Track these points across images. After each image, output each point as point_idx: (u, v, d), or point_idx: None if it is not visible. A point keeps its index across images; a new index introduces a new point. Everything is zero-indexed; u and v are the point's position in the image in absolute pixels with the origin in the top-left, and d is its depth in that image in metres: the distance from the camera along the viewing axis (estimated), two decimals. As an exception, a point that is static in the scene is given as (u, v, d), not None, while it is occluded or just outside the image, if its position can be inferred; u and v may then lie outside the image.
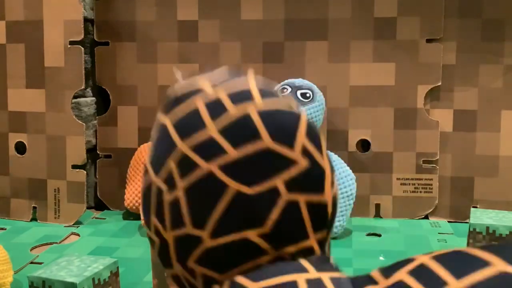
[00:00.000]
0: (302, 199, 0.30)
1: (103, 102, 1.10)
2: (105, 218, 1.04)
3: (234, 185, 0.30)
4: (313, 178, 0.31)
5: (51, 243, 0.90)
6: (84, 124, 1.00)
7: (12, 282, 0.70)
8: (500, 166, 1.01)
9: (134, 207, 1.01)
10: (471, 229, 0.79)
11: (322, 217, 0.31)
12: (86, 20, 1.03)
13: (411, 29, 1.00)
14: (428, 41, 1.00)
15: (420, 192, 1.02)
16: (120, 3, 1.06)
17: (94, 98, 1.09)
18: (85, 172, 1.00)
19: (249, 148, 0.30)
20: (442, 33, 0.99)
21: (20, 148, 1.02)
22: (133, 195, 1.01)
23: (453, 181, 1.02)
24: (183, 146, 0.31)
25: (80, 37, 0.97)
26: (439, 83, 1.00)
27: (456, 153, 1.02)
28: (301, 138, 0.30)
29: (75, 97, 1.01)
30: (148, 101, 1.08)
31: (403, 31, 1.00)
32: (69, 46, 0.98)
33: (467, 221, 0.85)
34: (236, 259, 0.30)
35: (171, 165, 0.31)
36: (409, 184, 1.02)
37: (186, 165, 0.31)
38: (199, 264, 0.31)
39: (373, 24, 1.01)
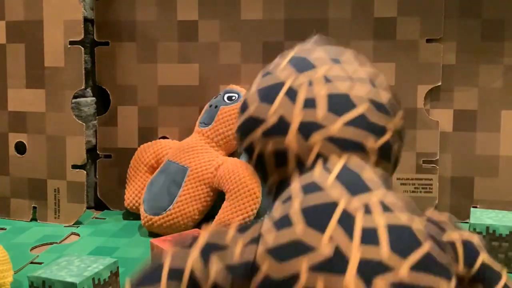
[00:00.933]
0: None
1: (103, 102, 1.10)
2: (105, 218, 1.04)
3: None
4: None
5: (51, 243, 0.90)
6: (84, 124, 1.00)
7: (12, 282, 0.70)
8: (500, 166, 1.01)
9: (134, 207, 1.00)
10: (471, 229, 0.79)
11: None
12: (86, 20, 1.03)
13: (411, 29, 1.00)
14: (428, 41, 1.00)
15: (420, 192, 1.02)
16: (120, 3, 1.06)
17: (94, 98, 1.09)
18: (85, 172, 0.99)
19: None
20: (442, 33, 0.99)
21: (20, 148, 1.02)
22: (133, 195, 1.01)
23: (453, 181, 1.02)
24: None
25: (80, 37, 0.97)
26: (439, 83, 1.00)
27: (456, 153, 1.02)
28: None
29: (75, 97, 1.00)
30: (148, 101, 1.07)
31: (403, 31, 1.00)
32: (69, 46, 0.97)
33: (467, 221, 0.85)
34: None
35: None
36: (409, 184, 1.02)
37: None
38: None
39: (373, 24, 1.01)
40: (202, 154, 0.95)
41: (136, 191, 1.01)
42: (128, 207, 1.02)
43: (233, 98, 0.99)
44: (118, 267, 0.66)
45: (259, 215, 0.89)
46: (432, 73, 1.00)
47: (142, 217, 0.94)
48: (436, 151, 1.01)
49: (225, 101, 0.98)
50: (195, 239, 0.40)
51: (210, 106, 1.00)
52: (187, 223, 0.91)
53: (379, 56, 1.01)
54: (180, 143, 1.00)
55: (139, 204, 0.98)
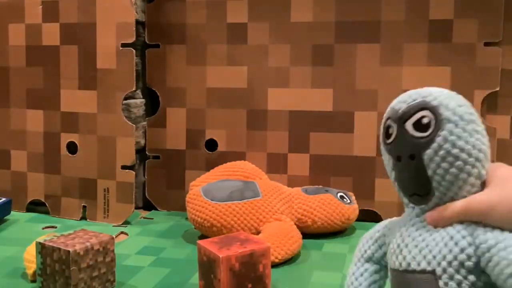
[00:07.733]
0: None
1: (152, 104, 1.11)
2: (152, 218, 1.05)
3: None
4: None
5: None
6: (134, 125, 1.01)
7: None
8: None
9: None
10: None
11: None
12: (137, 22, 1.04)
13: (468, 32, 0.96)
14: (486, 44, 0.96)
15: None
16: (171, 6, 1.07)
17: (143, 100, 1.10)
18: (134, 172, 1.00)
19: None
20: (501, 36, 0.95)
21: (72, 148, 1.04)
22: None
23: (510, 191, 0.98)
24: None
25: (132, 39, 0.98)
26: (497, 88, 0.96)
27: (514, 161, 0.98)
28: None
29: (124, 98, 1.02)
30: (196, 103, 1.08)
31: (460, 34, 0.96)
32: (121, 48, 0.99)
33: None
34: None
35: None
36: (463, 192, 0.98)
37: None
38: None
39: (428, 27, 0.98)
40: (279, 203, 0.93)
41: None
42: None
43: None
44: None
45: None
46: (490, 78, 0.96)
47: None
48: (493, 159, 0.97)
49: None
50: None
51: None
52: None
53: (434, 59, 0.98)
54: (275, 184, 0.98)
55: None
